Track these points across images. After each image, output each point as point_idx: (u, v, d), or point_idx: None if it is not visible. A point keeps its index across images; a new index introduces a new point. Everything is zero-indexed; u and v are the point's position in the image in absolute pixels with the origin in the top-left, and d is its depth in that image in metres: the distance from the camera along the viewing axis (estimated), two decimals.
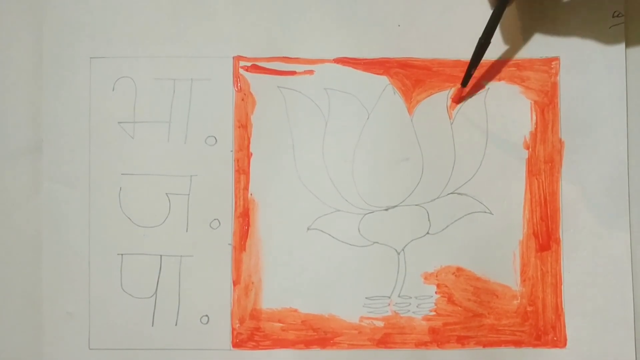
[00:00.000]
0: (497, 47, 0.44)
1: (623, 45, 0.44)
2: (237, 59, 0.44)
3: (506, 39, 0.44)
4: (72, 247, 0.44)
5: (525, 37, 0.44)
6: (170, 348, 0.43)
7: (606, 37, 0.44)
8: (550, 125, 0.44)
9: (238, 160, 0.44)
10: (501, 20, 0.44)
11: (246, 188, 0.44)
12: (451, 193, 0.44)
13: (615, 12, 0.43)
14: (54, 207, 0.44)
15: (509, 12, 0.44)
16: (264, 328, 0.44)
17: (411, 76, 0.44)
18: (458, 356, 0.43)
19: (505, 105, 0.44)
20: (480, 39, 0.42)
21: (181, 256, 0.44)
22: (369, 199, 0.44)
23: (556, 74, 0.44)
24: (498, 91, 0.44)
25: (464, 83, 0.43)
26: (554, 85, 0.44)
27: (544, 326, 0.43)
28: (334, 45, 0.44)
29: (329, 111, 0.44)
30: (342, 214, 0.44)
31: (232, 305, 0.44)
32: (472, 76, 0.43)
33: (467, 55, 0.44)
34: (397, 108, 0.44)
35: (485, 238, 0.44)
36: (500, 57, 0.44)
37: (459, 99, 0.44)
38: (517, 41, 0.44)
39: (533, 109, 0.44)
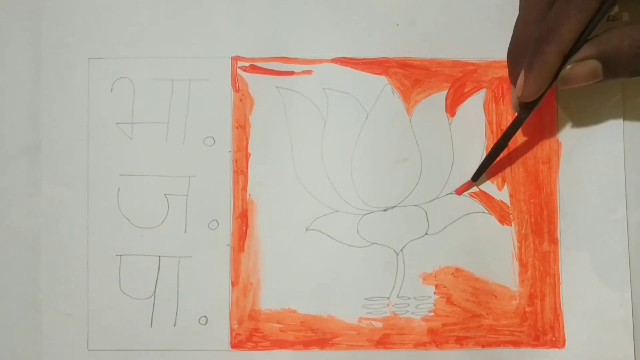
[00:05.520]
0: (495, 48, 0.44)
1: None
2: (235, 59, 0.44)
3: (505, 39, 0.44)
4: (71, 248, 0.44)
5: None
6: (169, 349, 0.43)
7: None
8: (548, 126, 0.44)
9: (236, 161, 0.44)
10: (499, 20, 0.44)
11: (245, 189, 0.44)
12: (450, 193, 0.44)
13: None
14: (52, 208, 0.44)
15: (507, 12, 0.44)
16: (263, 329, 0.44)
17: (410, 76, 0.44)
18: (457, 357, 0.43)
19: (503, 105, 0.44)
20: (499, 141, 0.42)
21: (180, 257, 0.44)
22: (368, 200, 0.44)
23: None
24: (496, 92, 0.44)
25: (474, 178, 0.43)
26: (552, 87, 0.44)
27: (543, 326, 0.44)
28: (333, 45, 0.44)
29: (328, 111, 0.44)
30: (340, 214, 0.44)
31: (230, 306, 0.44)
32: (482, 173, 0.43)
33: (466, 55, 0.44)
34: (395, 108, 0.44)
35: (484, 239, 0.44)
36: (498, 58, 0.44)
37: (462, 191, 0.44)
38: None
39: None
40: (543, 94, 0.39)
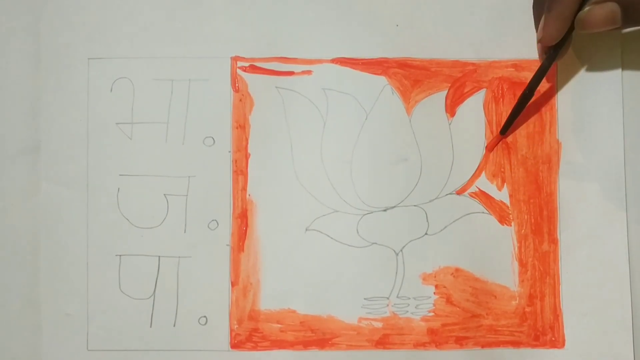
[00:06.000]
0: (495, 48, 0.44)
1: (619, 47, 0.44)
2: (235, 59, 0.44)
3: (505, 40, 0.44)
4: (70, 248, 0.44)
5: (524, 37, 0.44)
6: (169, 349, 0.43)
7: (602, 39, 0.44)
8: (548, 126, 0.44)
9: (236, 161, 0.44)
10: (499, 21, 0.44)
11: (244, 189, 0.44)
12: (449, 194, 0.44)
13: None
14: (52, 208, 0.44)
15: (507, 13, 0.44)
16: (263, 329, 0.43)
17: (410, 76, 0.44)
18: (456, 357, 0.43)
19: (503, 105, 0.44)
20: (525, 90, 0.42)
21: (179, 257, 0.44)
22: (368, 200, 0.44)
23: (554, 75, 0.44)
24: (496, 92, 0.44)
25: (503, 131, 0.43)
26: (552, 86, 0.44)
27: (542, 327, 0.44)
28: (332, 45, 0.44)
29: (327, 111, 0.44)
30: (340, 214, 0.44)
31: (230, 306, 0.44)
32: (512, 125, 0.43)
33: (466, 55, 0.44)
34: (395, 108, 0.44)
35: (484, 239, 0.44)
36: (498, 58, 0.44)
37: (493, 146, 0.44)
38: (515, 41, 0.44)
39: (531, 110, 0.44)
40: (564, 39, 0.39)
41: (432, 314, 0.44)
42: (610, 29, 0.38)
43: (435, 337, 0.44)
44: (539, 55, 0.42)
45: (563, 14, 0.38)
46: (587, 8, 0.38)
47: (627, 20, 0.37)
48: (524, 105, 0.42)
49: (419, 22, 0.44)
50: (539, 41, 0.40)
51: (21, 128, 0.44)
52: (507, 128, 0.43)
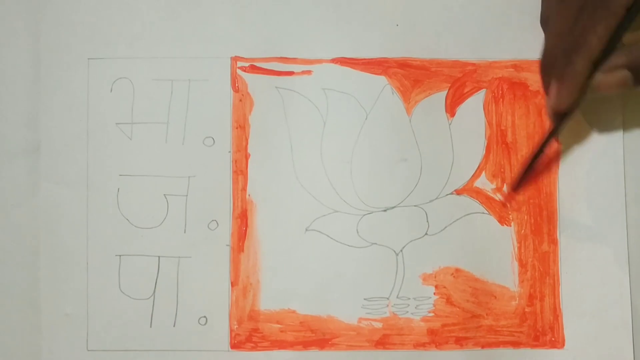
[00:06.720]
0: (495, 48, 0.44)
1: None
2: (235, 59, 0.44)
3: (505, 40, 0.44)
4: (70, 249, 0.44)
5: (524, 37, 0.44)
6: (168, 349, 0.43)
7: None
8: (548, 126, 0.44)
9: (236, 161, 0.44)
10: (499, 21, 0.44)
11: (244, 189, 0.44)
12: (450, 194, 0.44)
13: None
14: (52, 208, 0.44)
15: (507, 13, 0.44)
16: (262, 329, 0.44)
17: (410, 76, 0.44)
18: (456, 357, 0.43)
19: (503, 106, 0.44)
20: (538, 150, 0.42)
21: (179, 257, 0.44)
22: (368, 200, 0.44)
23: None
24: (496, 92, 0.44)
25: (515, 188, 0.43)
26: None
27: (542, 327, 0.44)
28: (332, 45, 0.44)
29: (327, 111, 0.44)
30: (340, 215, 0.44)
31: (230, 307, 0.44)
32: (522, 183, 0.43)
33: (466, 55, 0.44)
34: (395, 108, 0.44)
35: (484, 239, 0.44)
36: (498, 58, 0.44)
37: (509, 200, 0.44)
38: (515, 42, 0.44)
39: (531, 110, 0.44)
40: (577, 103, 0.39)
41: (432, 314, 0.44)
42: (622, 91, 0.38)
43: (435, 338, 0.44)
44: (549, 116, 0.42)
45: (575, 82, 0.38)
46: (599, 76, 0.38)
47: (638, 83, 0.38)
48: (535, 163, 0.42)
49: (419, 22, 0.44)
50: (550, 107, 0.40)
51: (21, 128, 0.44)
52: (520, 185, 0.43)
